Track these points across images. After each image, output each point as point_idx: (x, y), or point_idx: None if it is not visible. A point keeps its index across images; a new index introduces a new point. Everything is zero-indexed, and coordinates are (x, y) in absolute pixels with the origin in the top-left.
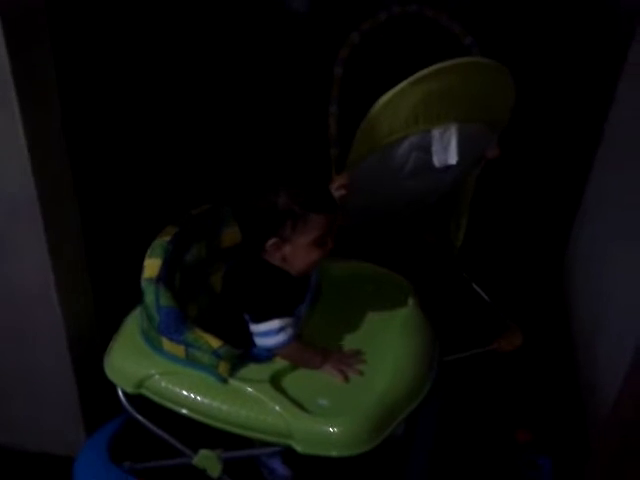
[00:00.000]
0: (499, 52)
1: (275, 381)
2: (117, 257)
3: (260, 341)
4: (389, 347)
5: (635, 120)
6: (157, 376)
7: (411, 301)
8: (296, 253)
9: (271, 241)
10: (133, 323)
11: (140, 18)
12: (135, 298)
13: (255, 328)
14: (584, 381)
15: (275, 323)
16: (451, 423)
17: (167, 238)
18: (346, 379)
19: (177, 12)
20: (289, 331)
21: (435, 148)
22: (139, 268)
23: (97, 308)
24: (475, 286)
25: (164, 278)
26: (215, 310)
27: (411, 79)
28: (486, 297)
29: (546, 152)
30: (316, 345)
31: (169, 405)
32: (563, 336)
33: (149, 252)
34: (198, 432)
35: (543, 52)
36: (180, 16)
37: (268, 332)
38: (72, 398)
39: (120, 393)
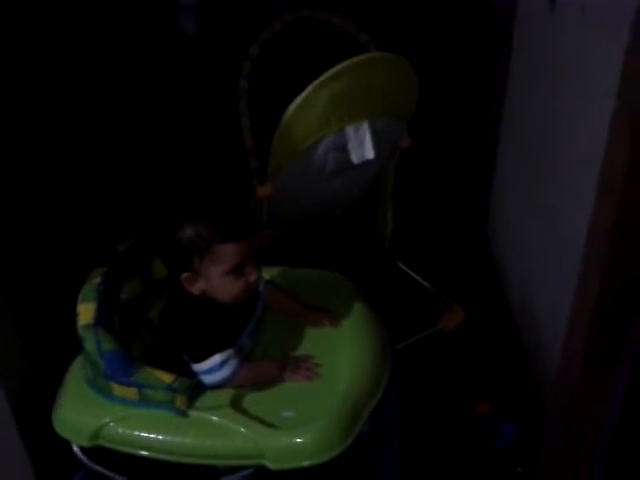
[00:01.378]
0: (394, 45)
1: (236, 404)
2: (44, 306)
3: (206, 379)
4: (342, 347)
5: (525, 97)
6: (112, 423)
7: (355, 297)
8: (213, 286)
9: (183, 276)
10: (77, 373)
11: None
12: (71, 347)
13: (197, 367)
14: (528, 344)
15: (216, 359)
16: (412, 410)
17: (97, 280)
18: (310, 379)
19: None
20: (232, 362)
21: (351, 145)
22: (70, 315)
23: (33, 363)
24: (411, 272)
25: (102, 321)
26: (160, 344)
27: (316, 82)
28: (423, 281)
29: (455, 134)
30: (267, 358)
31: (130, 450)
32: (501, 305)
33: (80, 297)
34: (164, 470)
35: (437, 39)
36: (76, 46)
37: (211, 369)
38: (23, 463)
39: (75, 448)
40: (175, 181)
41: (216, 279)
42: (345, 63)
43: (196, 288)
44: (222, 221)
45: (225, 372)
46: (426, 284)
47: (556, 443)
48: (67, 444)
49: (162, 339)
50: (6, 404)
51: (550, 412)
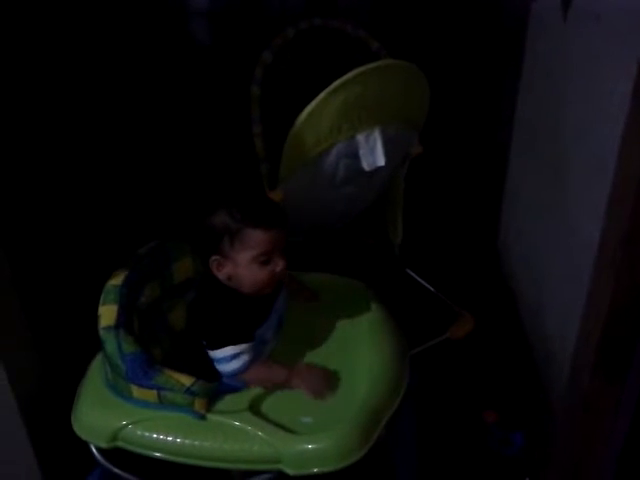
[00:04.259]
0: (406, 52)
1: (254, 408)
2: (55, 307)
3: (218, 366)
4: (362, 352)
5: (537, 104)
6: (131, 426)
7: (374, 302)
8: (239, 272)
9: (212, 258)
10: (96, 375)
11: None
12: (82, 348)
13: (211, 354)
14: (537, 353)
15: (228, 350)
16: (421, 417)
17: (118, 282)
18: (316, 395)
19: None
20: (244, 357)
21: (362, 152)
22: (80, 317)
23: (44, 365)
24: (420, 280)
25: (123, 323)
26: (179, 348)
27: (329, 89)
28: (432, 289)
29: (465, 142)
30: (283, 361)
31: (148, 453)
32: (510, 315)
33: (102, 299)
34: (178, 473)
35: (448, 47)
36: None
37: (222, 359)
38: (30, 464)
39: (94, 449)
40: (197, 184)
41: (243, 264)
42: (357, 70)
43: (224, 272)
44: (254, 208)
45: (235, 365)
46: (435, 292)
47: (565, 454)
48: (75, 446)
49: (185, 335)
50: (15, 406)
51: (559, 423)
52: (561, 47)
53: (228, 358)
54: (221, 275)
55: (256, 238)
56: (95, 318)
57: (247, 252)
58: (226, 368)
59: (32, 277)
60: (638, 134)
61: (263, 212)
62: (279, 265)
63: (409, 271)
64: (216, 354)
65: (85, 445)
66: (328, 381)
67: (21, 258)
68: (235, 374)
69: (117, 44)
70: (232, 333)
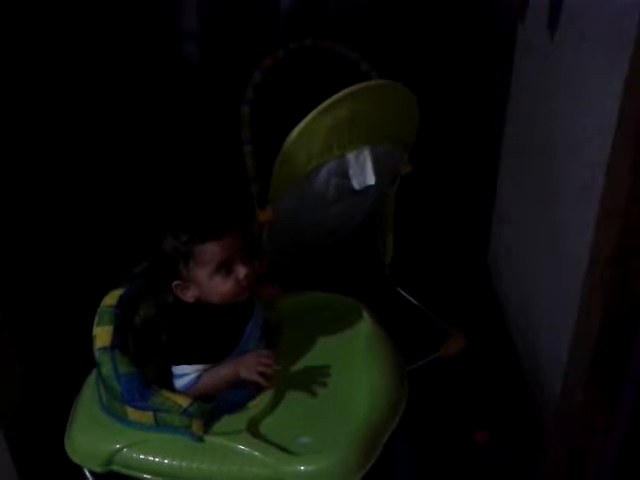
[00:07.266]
0: (396, 71)
1: (252, 429)
2: (40, 326)
3: (173, 381)
4: (361, 371)
5: (525, 122)
6: (126, 449)
7: (369, 320)
8: (203, 289)
9: (174, 284)
10: (89, 397)
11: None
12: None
13: (172, 368)
14: (528, 371)
15: (183, 369)
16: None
17: (113, 302)
18: (266, 380)
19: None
20: (189, 377)
21: (352, 171)
22: (65, 335)
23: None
24: (411, 298)
25: (118, 344)
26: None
27: (319, 108)
28: (423, 307)
29: (455, 161)
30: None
31: (145, 476)
32: (501, 333)
33: (97, 320)
34: None
35: (437, 67)
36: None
37: (174, 375)
38: None
39: (87, 473)
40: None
41: (204, 281)
42: (347, 90)
43: (189, 296)
44: (197, 223)
45: (180, 383)
46: (426, 310)
47: (558, 471)
48: (60, 466)
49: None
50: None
51: (551, 439)
52: (548, 66)
53: (178, 376)
54: (187, 298)
55: (208, 252)
56: (80, 335)
57: (204, 269)
58: (176, 384)
59: (18, 291)
60: (625, 152)
61: (208, 223)
62: (241, 271)
63: (400, 290)
64: (173, 369)
65: (70, 464)
66: (275, 362)
67: (6, 278)
68: (184, 391)
69: (110, 65)
70: (190, 354)
